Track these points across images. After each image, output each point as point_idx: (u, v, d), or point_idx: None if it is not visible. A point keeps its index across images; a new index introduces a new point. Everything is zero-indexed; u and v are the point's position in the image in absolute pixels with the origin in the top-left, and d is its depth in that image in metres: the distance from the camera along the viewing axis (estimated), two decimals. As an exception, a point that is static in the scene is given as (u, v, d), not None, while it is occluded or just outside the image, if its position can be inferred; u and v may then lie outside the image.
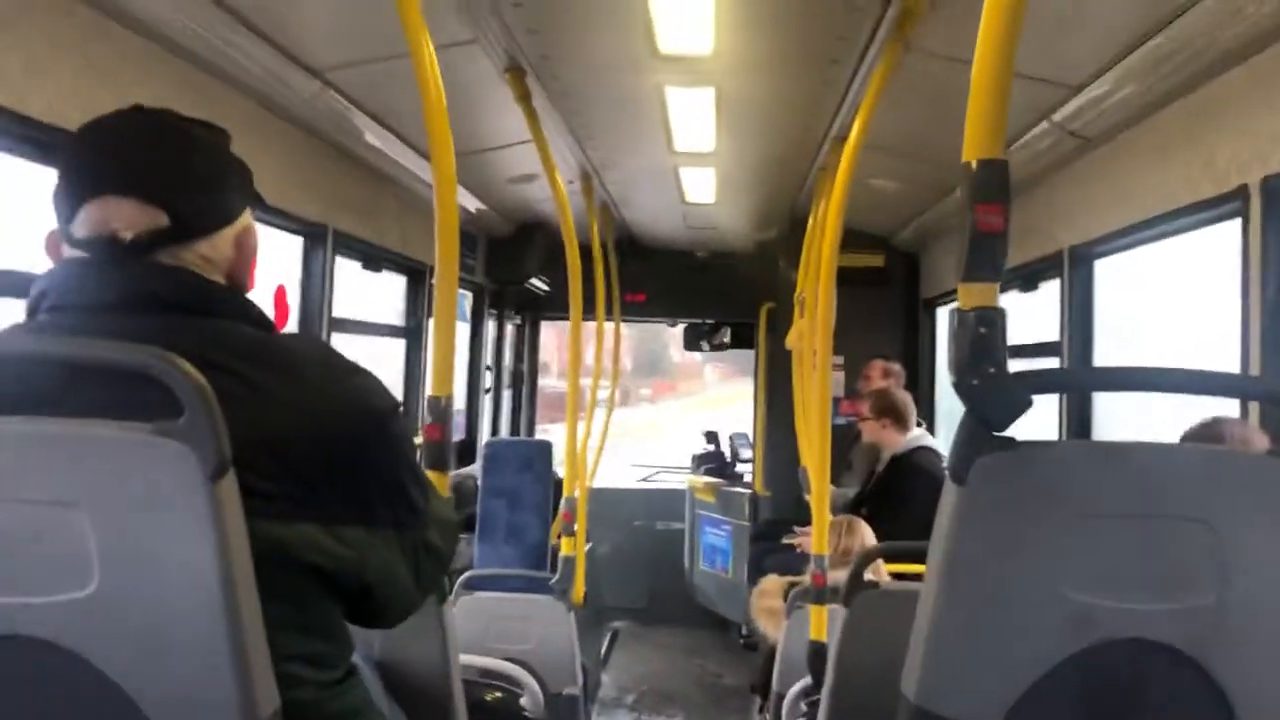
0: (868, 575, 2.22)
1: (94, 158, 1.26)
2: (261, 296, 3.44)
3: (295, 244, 3.75)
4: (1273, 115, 2.44)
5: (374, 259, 4.26)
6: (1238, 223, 2.60)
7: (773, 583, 4.25)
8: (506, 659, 3.08)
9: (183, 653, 1.12)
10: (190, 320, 1.22)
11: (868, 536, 3.55)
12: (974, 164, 1.27)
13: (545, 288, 6.68)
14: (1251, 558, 1.26)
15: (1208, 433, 1.84)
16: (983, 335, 1.24)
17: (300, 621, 1.22)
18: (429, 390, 2.01)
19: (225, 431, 1.09)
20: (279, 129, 3.33)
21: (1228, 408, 2.31)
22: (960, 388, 1.25)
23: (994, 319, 1.25)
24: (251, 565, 1.12)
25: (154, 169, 1.25)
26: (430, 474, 1.97)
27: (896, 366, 5.54)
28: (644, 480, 8.26)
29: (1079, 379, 1.76)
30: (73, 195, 1.25)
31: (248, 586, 1.12)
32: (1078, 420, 3.66)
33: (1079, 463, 1.28)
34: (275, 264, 3.61)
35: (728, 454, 7.46)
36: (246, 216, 1.34)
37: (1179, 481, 1.27)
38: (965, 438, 1.25)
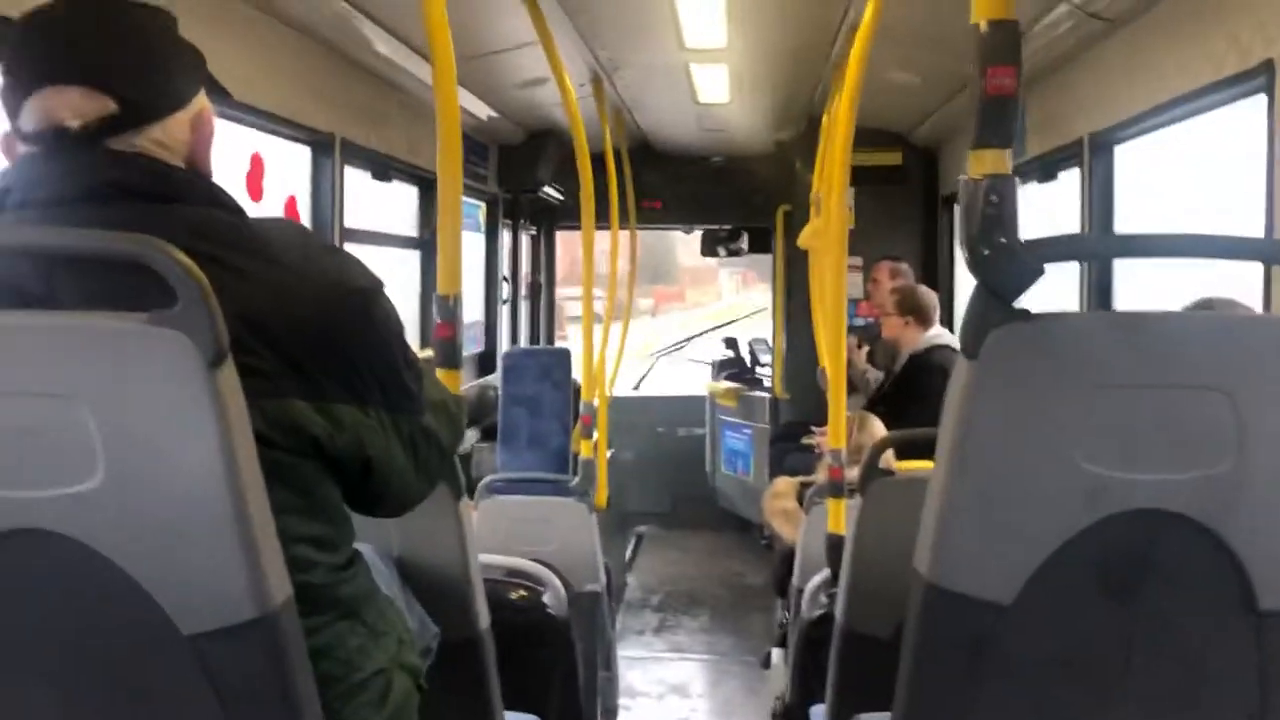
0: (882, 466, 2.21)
1: (34, 49, 1.24)
2: (272, 207, 3.45)
3: (303, 155, 3.70)
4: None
5: (383, 168, 4.21)
6: (1263, 100, 2.53)
7: (784, 483, 4.28)
8: (531, 560, 3.11)
9: (193, 541, 1.12)
10: (160, 208, 1.21)
11: (879, 431, 3.55)
12: (983, 25, 1.22)
13: (560, 196, 6.61)
14: (1269, 425, 1.24)
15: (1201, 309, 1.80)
16: (994, 204, 1.21)
17: (303, 503, 1.23)
18: (437, 290, 1.99)
19: (221, 318, 1.08)
20: (283, 36, 3.28)
21: (1251, 282, 2.28)
22: (971, 259, 1.22)
23: (1005, 188, 1.22)
24: (255, 451, 1.12)
25: (97, 55, 1.23)
26: (441, 372, 1.97)
27: (904, 266, 5.49)
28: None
29: (1090, 245, 1.73)
30: (18, 89, 1.23)
31: (253, 472, 1.12)
32: (1099, 298, 3.62)
33: (1094, 333, 1.26)
34: (284, 174, 3.58)
35: (747, 359, 7.46)
36: (200, 100, 1.31)
37: (1195, 350, 1.25)
38: (977, 310, 1.23)
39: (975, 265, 1.21)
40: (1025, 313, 1.22)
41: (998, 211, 1.21)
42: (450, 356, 1.95)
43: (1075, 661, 1.34)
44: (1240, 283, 2.55)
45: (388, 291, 1.34)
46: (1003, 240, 1.21)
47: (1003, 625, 1.30)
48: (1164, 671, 1.34)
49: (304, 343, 1.21)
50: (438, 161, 2.01)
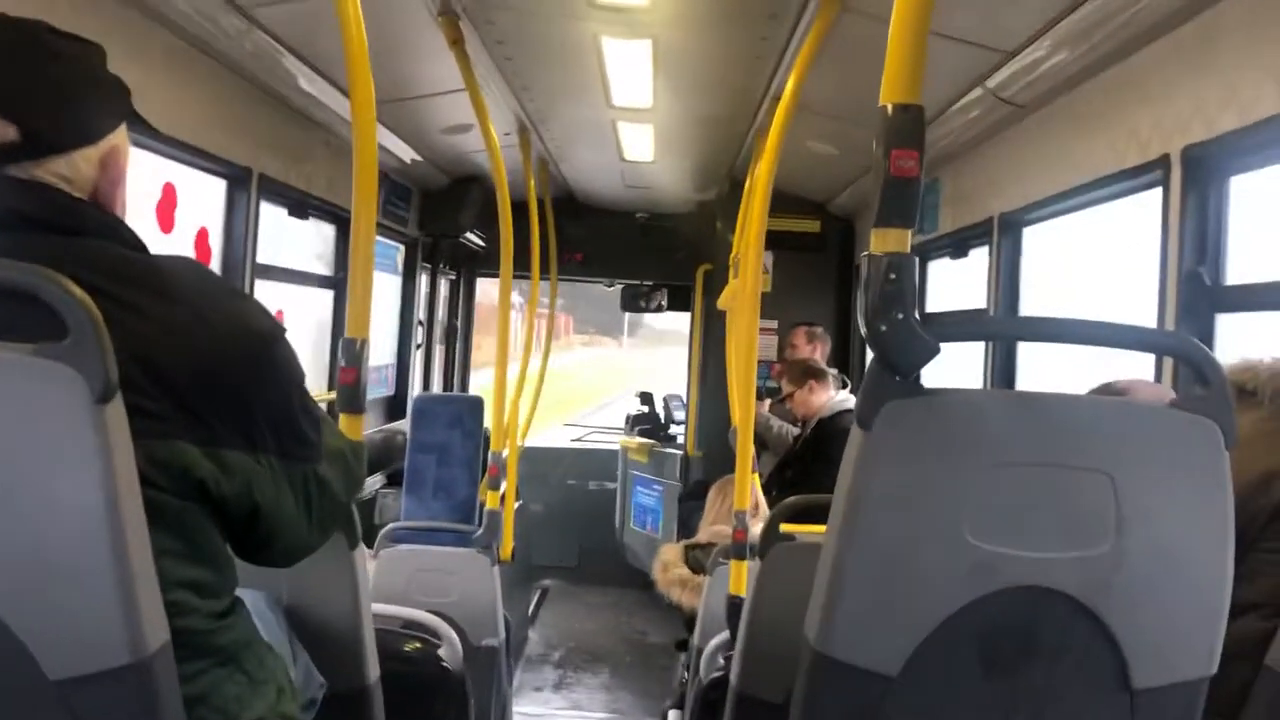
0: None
1: None
2: (183, 238, 3.38)
3: (219, 187, 3.65)
4: (1194, 86, 2.46)
5: (301, 205, 4.17)
6: (1159, 192, 2.64)
7: (670, 551, 4.29)
8: (429, 611, 3.06)
9: (67, 580, 1.08)
10: (58, 239, 1.18)
11: (757, 495, 3.61)
12: (890, 108, 1.26)
13: (482, 243, 6.60)
14: (1147, 509, 1.28)
15: (1104, 393, 1.86)
16: (893, 281, 1.24)
17: (184, 547, 1.20)
18: (345, 333, 1.97)
19: (112, 354, 1.06)
20: (205, 67, 3.24)
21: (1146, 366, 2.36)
22: (870, 333, 1.25)
23: (904, 266, 1.25)
24: (139, 491, 1.09)
25: (3, 81, 1.20)
26: (344, 418, 1.94)
27: (819, 329, 5.57)
28: (577, 440, 8.26)
29: (988, 327, 1.78)
30: None
31: (135, 513, 1.09)
32: (1002, 376, 3.71)
33: (986, 411, 1.29)
34: (197, 206, 3.52)
35: (661, 415, 7.49)
36: (116, 137, 1.29)
37: (1081, 432, 1.29)
38: (873, 383, 1.26)
39: (873, 340, 1.24)
40: (920, 387, 1.25)
41: (897, 288, 1.24)
42: (353, 401, 1.92)
43: None
44: (1143, 363, 2.64)
45: (302, 330, 1.32)
46: (900, 316, 1.24)
47: (888, 697, 1.31)
48: (1043, 746, 1.36)
49: (198, 386, 1.18)
50: (353, 202, 2.00)
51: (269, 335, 1.28)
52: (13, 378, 1.07)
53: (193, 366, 1.18)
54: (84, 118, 1.25)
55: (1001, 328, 2.31)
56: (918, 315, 1.28)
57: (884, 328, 1.24)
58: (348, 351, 1.93)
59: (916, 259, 1.26)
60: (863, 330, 1.27)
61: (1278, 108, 2.15)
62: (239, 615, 1.33)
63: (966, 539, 1.26)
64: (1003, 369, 3.72)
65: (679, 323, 7.43)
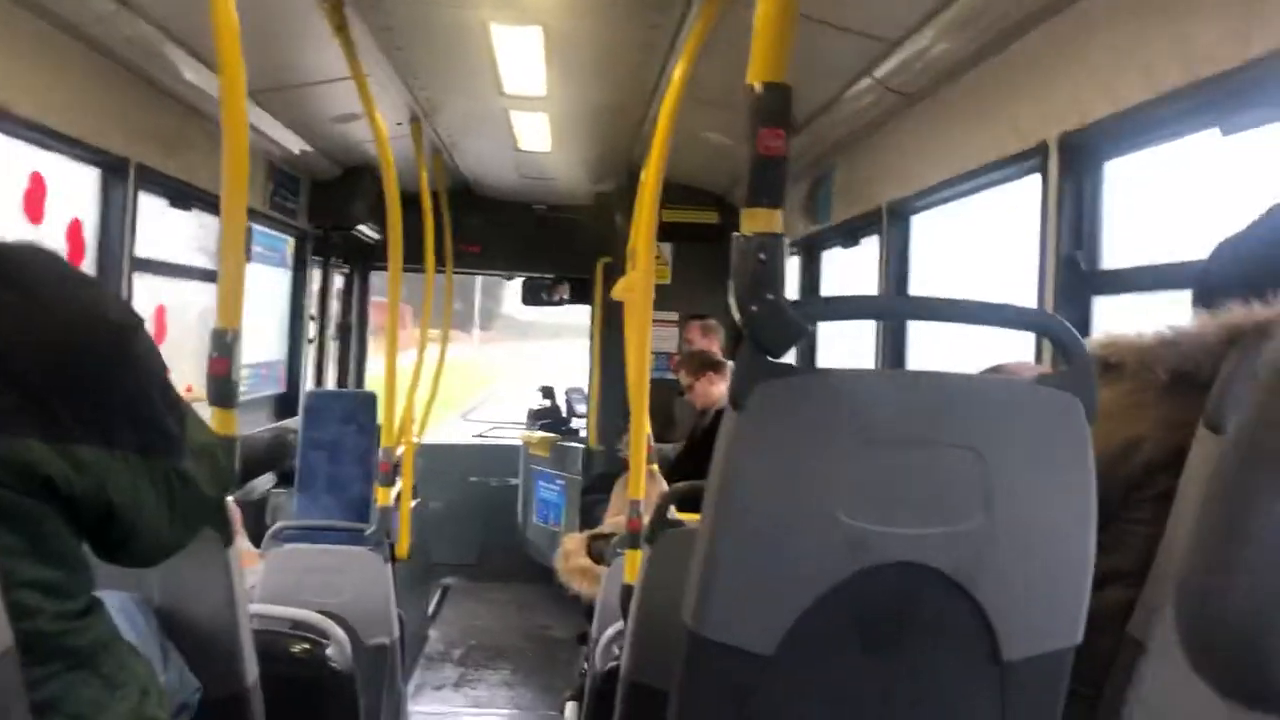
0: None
1: None
2: (53, 230, 3.24)
3: (93, 177, 3.51)
4: (1069, 74, 2.53)
5: (183, 196, 4.03)
6: (1039, 179, 2.70)
7: (573, 541, 4.28)
8: (319, 611, 2.99)
9: None
10: None
11: (661, 485, 3.61)
12: (758, 87, 1.25)
13: (376, 236, 6.48)
14: (1014, 483, 1.30)
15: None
16: (762, 262, 1.24)
17: (30, 546, 1.14)
18: (215, 323, 1.90)
19: None
20: (78, 53, 3.11)
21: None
22: (740, 314, 1.25)
23: (774, 246, 1.25)
24: None
25: None
26: (216, 412, 1.88)
27: (713, 322, 5.61)
28: (479, 436, 8.18)
29: (857, 305, 1.79)
30: None
31: None
32: (893, 360, 3.77)
33: (855, 389, 1.29)
34: (70, 198, 3.38)
35: (563, 409, 7.45)
36: None
37: (950, 408, 1.30)
38: (744, 365, 1.25)
39: (744, 321, 1.24)
40: (791, 367, 1.25)
41: (766, 269, 1.24)
42: (224, 394, 1.86)
43: (837, 710, 1.36)
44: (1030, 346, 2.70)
45: (186, 327, 1.27)
46: (770, 297, 1.23)
47: (765, 676, 1.31)
48: (921, 718, 1.38)
49: (50, 378, 1.13)
50: (222, 187, 1.94)
51: (124, 325, 1.23)
52: None
53: (44, 359, 1.12)
54: None
55: (875, 306, 2.34)
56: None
57: (755, 308, 1.24)
58: (218, 342, 1.86)
59: (785, 239, 1.26)
60: (734, 312, 1.27)
61: (1146, 95, 2.21)
62: (96, 616, 1.27)
63: (838, 517, 1.26)
64: (893, 358, 3.78)
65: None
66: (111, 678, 1.26)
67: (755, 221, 1.25)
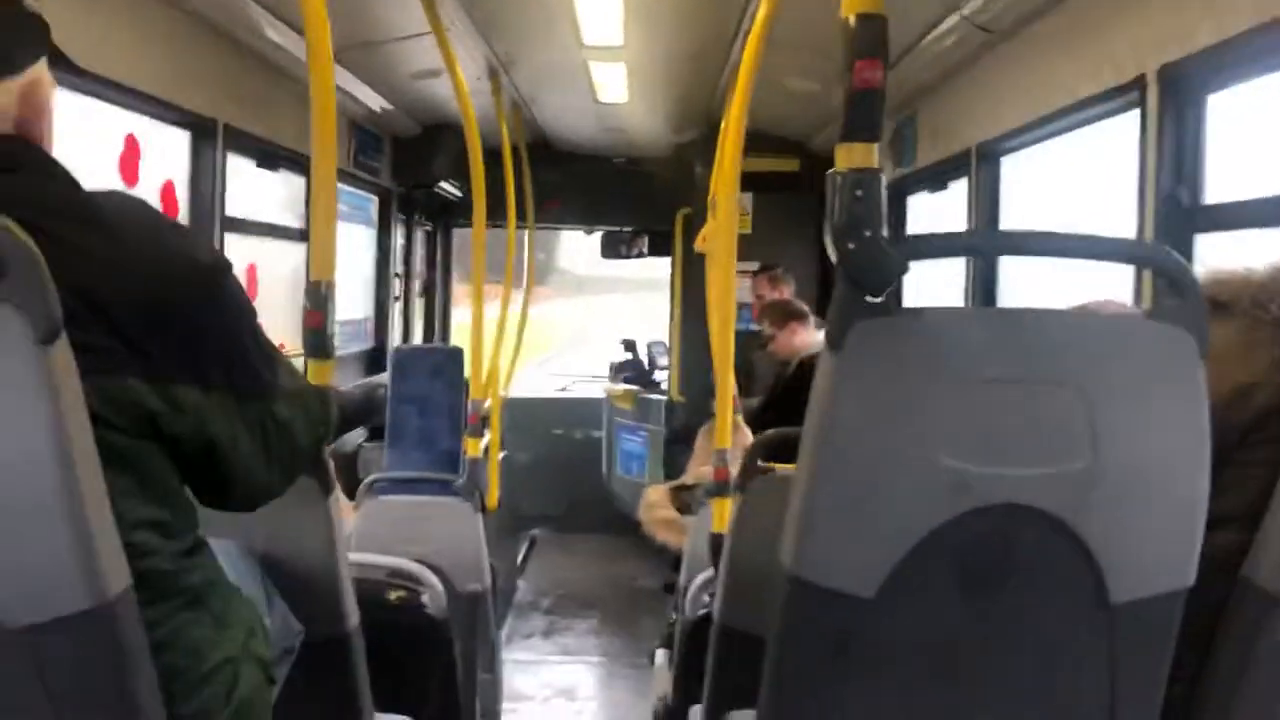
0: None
1: None
2: (147, 192, 3.32)
3: (183, 139, 3.58)
4: (1169, 3, 2.42)
5: (269, 156, 4.10)
6: (1137, 114, 2.61)
7: (656, 492, 4.29)
8: (415, 560, 3.05)
9: (21, 526, 1.05)
10: None
11: (747, 435, 3.60)
12: (852, 19, 1.22)
13: (458, 193, 6.52)
14: (1120, 423, 1.26)
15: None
16: (859, 199, 1.21)
17: (141, 486, 1.18)
18: (309, 276, 1.93)
19: (54, 292, 1.02)
20: (167, 16, 3.16)
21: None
22: (837, 252, 1.22)
23: (871, 182, 1.22)
24: (89, 431, 1.06)
25: None
26: (311, 363, 1.91)
27: (779, 270, 5.55)
28: (562, 390, 8.24)
29: (958, 241, 1.75)
30: None
31: (87, 453, 1.06)
32: (982, 301, 3.70)
33: (956, 328, 1.27)
34: (163, 159, 3.45)
35: (645, 362, 7.47)
36: (36, 70, 1.24)
37: (1054, 346, 1.27)
38: (842, 304, 1.23)
39: (840, 259, 1.22)
40: (889, 307, 1.23)
41: (864, 205, 1.21)
42: (320, 346, 1.89)
43: (936, 654, 1.35)
44: (1123, 285, 2.62)
45: (277, 285, 1.29)
46: (868, 234, 1.21)
47: (865, 619, 1.30)
48: (1022, 664, 1.36)
49: (143, 320, 1.15)
50: (312, 143, 1.96)
51: (214, 268, 1.25)
52: None
53: (138, 301, 1.15)
54: (4, 48, 1.20)
55: (973, 241, 2.28)
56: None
57: (852, 246, 1.21)
58: (312, 295, 1.89)
59: (882, 174, 1.23)
60: (830, 250, 1.24)
61: (1253, 21, 2.11)
62: (203, 556, 1.31)
63: (940, 459, 1.24)
64: (983, 297, 3.70)
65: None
66: (221, 617, 1.30)
67: (851, 157, 1.23)
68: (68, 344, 1.05)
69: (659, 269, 7.50)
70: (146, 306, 1.15)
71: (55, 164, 1.21)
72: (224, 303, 1.24)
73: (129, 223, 1.19)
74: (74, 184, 1.21)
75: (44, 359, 1.02)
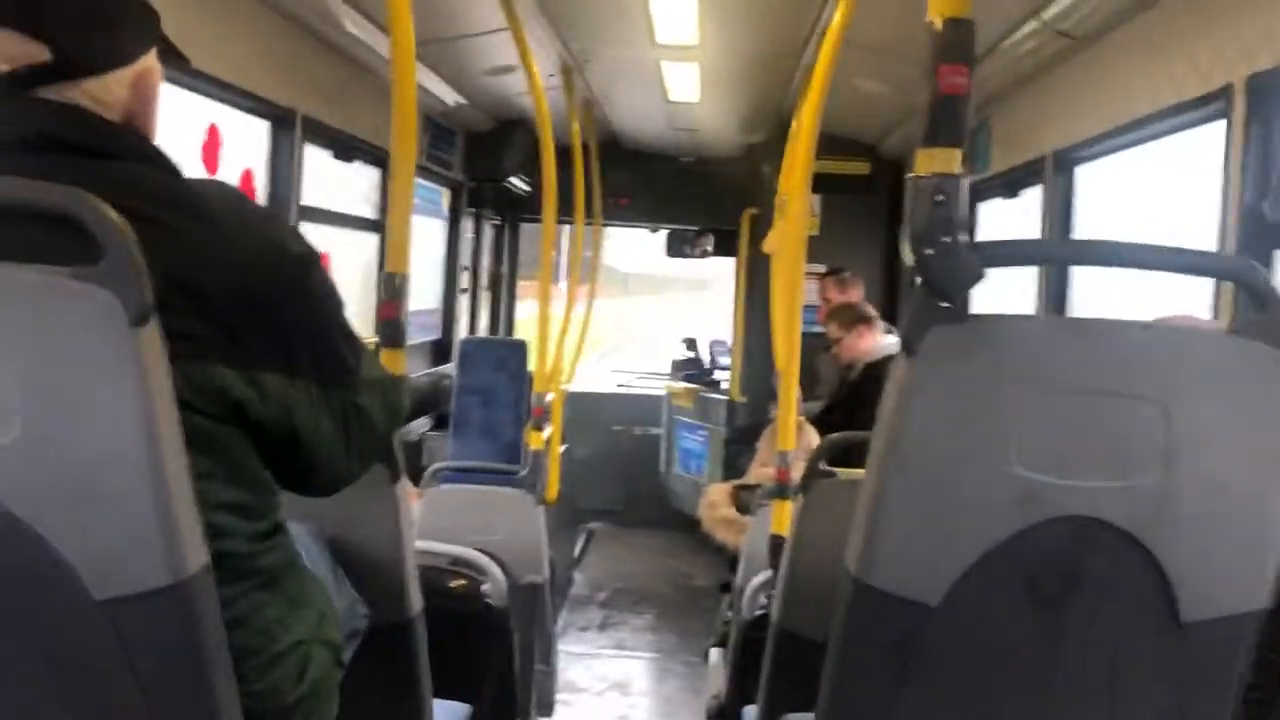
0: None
1: None
2: (228, 180, 3.39)
3: (263, 129, 3.65)
4: (1257, 8, 2.37)
5: (345, 148, 4.17)
6: (1222, 125, 2.55)
7: (718, 491, 4.28)
8: (476, 549, 3.09)
9: (108, 503, 1.09)
10: (91, 162, 1.18)
11: (812, 437, 3.58)
12: (938, 22, 1.21)
13: (527, 188, 6.57)
14: (1199, 438, 1.24)
15: None
16: (940, 204, 1.21)
17: (224, 470, 1.21)
18: (385, 268, 1.97)
19: (147, 276, 1.06)
20: (250, 9, 3.23)
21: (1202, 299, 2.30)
22: (915, 256, 1.22)
23: (952, 188, 1.21)
24: (176, 414, 1.10)
25: (36, 1, 1.19)
26: (385, 352, 1.95)
27: (847, 274, 5.49)
28: (622, 386, 8.27)
29: (1037, 249, 1.72)
30: None
31: (173, 435, 1.09)
32: (1055, 311, 3.64)
33: (1033, 336, 1.26)
34: (242, 148, 3.53)
35: (706, 361, 7.46)
36: (147, 60, 1.28)
37: (1132, 358, 1.25)
38: (918, 309, 1.22)
39: (918, 263, 1.21)
40: (966, 313, 1.22)
41: (944, 211, 1.20)
42: (394, 336, 1.92)
43: (1000, 665, 1.34)
44: (1201, 300, 2.57)
45: (349, 274, 1.31)
46: (947, 239, 1.20)
47: (929, 626, 1.29)
48: (1087, 679, 1.34)
49: (234, 307, 1.18)
50: (392, 138, 1.99)
51: (305, 258, 1.28)
52: (49, 301, 1.07)
53: (229, 288, 1.18)
54: (116, 39, 1.24)
55: (1052, 250, 2.25)
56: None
57: (930, 251, 1.21)
58: (388, 286, 1.93)
59: (967, 181, 1.22)
60: (906, 255, 1.24)
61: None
62: (281, 539, 1.34)
63: (1012, 468, 1.23)
64: (1055, 309, 3.65)
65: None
66: (294, 598, 1.33)
67: (932, 162, 1.22)
68: (159, 327, 1.08)
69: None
70: (239, 294, 1.18)
71: (158, 152, 1.25)
72: (313, 292, 1.27)
73: (225, 211, 1.22)
74: (175, 172, 1.25)
75: (135, 342, 1.06)
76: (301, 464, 1.30)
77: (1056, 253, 2.27)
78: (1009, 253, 1.36)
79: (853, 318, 4.62)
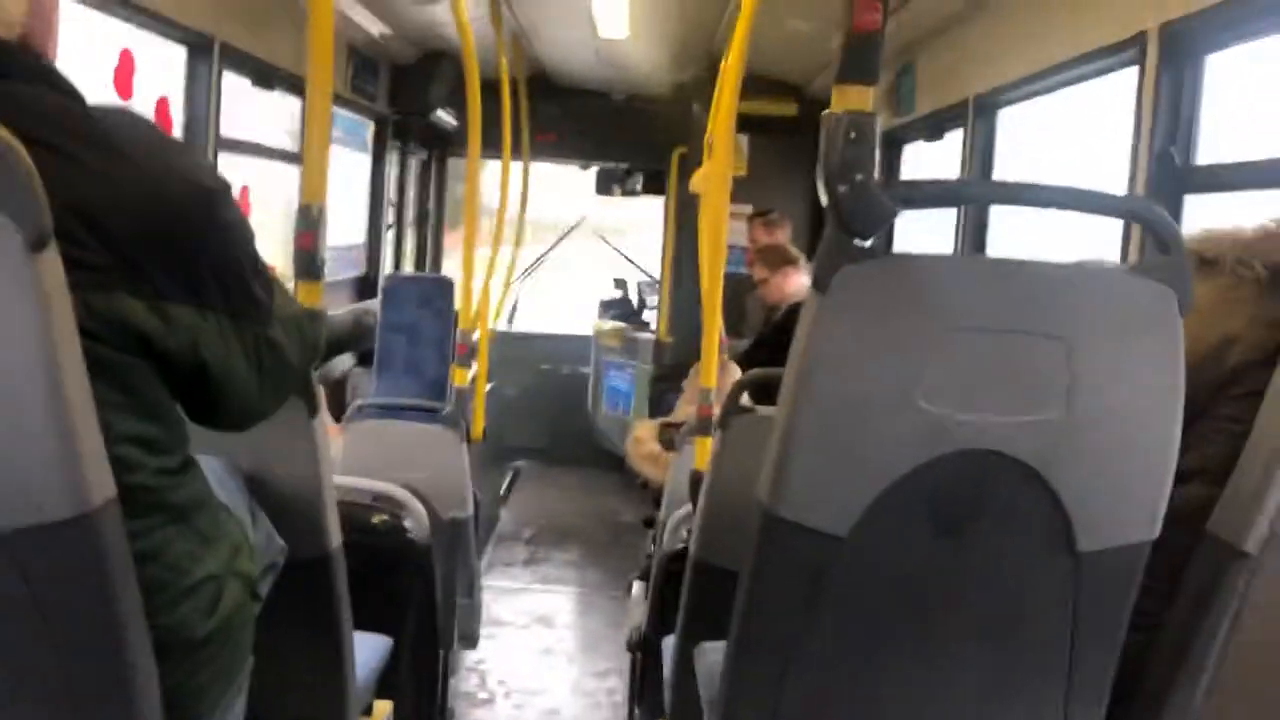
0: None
1: None
2: (142, 109, 3.29)
3: (179, 55, 3.54)
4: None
5: (265, 76, 4.05)
6: (1134, 71, 2.60)
7: (644, 428, 4.32)
8: (398, 485, 3.08)
9: (6, 433, 1.06)
10: None
11: (737, 375, 3.62)
12: (854, -40, 1.22)
13: (454, 122, 6.46)
14: (1099, 373, 1.28)
15: None
16: (853, 141, 1.22)
17: (130, 401, 1.19)
18: (300, 199, 1.93)
19: (45, 200, 1.02)
20: None
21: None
22: (827, 194, 1.23)
23: (866, 125, 1.23)
24: (78, 342, 1.07)
25: None
26: (301, 284, 1.92)
27: (774, 215, 5.52)
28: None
29: (948, 190, 1.75)
30: None
31: (73, 363, 1.06)
32: (974, 248, 3.71)
33: (941, 275, 1.28)
34: (158, 76, 3.42)
35: (635, 300, 7.47)
36: None
37: (1037, 297, 1.28)
38: (830, 246, 1.24)
39: (831, 201, 1.22)
40: (876, 251, 1.24)
41: (857, 149, 1.22)
42: (310, 268, 1.90)
43: (905, 592, 1.39)
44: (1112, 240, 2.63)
45: (271, 208, 1.28)
46: (860, 178, 1.22)
47: (837, 556, 1.33)
48: (988, 604, 1.40)
49: (141, 239, 1.15)
50: (308, 65, 1.94)
51: (214, 190, 1.25)
52: None
53: (134, 219, 1.15)
54: None
55: (963, 190, 2.28)
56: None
57: (843, 189, 1.22)
58: (304, 217, 1.89)
59: (878, 117, 1.24)
60: (821, 193, 1.25)
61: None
62: (191, 474, 1.33)
63: (918, 403, 1.26)
64: (973, 251, 3.71)
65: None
66: (206, 533, 1.32)
67: (846, 99, 1.23)
68: (57, 254, 1.05)
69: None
70: (145, 225, 1.15)
71: (58, 74, 1.20)
72: (223, 225, 1.24)
73: (130, 140, 1.18)
74: (76, 96, 1.20)
75: (34, 266, 1.03)
76: (211, 398, 1.28)
77: (968, 193, 2.31)
78: (922, 192, 1.38)
79: (779, 259, 4.65)
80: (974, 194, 2.39)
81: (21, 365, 1.04)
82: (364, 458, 3.30)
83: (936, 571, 1.37)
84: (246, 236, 1.30)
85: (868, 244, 1.24)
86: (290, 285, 1.86)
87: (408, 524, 2.71)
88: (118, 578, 1.14)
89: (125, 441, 1.18)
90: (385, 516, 2.75)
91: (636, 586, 3.54)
